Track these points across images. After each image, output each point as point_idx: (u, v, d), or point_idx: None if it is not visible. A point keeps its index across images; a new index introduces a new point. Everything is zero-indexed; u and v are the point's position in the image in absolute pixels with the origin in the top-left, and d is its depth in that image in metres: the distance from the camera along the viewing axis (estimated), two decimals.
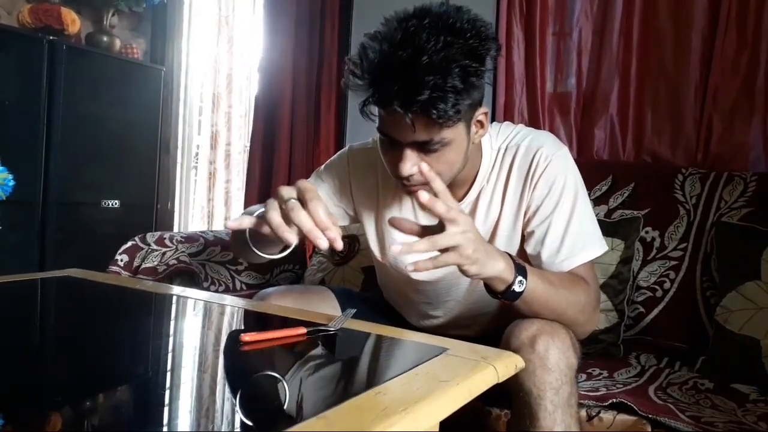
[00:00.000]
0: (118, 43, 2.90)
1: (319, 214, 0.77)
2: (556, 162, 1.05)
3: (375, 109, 0.92)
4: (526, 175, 1.06)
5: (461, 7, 0.91)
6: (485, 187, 1.10)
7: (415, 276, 1.14)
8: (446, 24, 0.87)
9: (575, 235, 1.03)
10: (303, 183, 0.81)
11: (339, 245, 0.78)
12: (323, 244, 0.77)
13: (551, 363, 0.89)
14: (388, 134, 0.95)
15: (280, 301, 1.12)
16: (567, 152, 1.09)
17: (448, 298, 1.18)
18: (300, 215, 0.77)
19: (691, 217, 1.56)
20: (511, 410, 0.98)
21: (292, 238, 0.79)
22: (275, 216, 0.80)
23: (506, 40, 1.95)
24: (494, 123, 1.14)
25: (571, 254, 1.03)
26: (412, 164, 0.93)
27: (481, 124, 1.00)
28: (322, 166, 1.26)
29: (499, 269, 0.87)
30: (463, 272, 0.86)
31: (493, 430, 1.11)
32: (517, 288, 0.89)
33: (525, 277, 0.90)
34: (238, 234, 1.05)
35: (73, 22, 2.65)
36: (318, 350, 0.80)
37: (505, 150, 1.09)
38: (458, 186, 1.09)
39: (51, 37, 2.50)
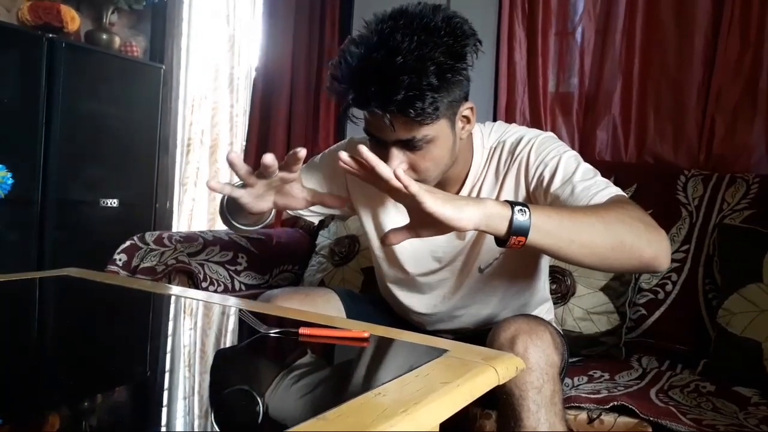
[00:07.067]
0: (117, 41, 2.90)
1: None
2: (540, 140, 1.05)
3: (359, 112, 0.94)
4: (514, 163, 1.06)
5: (438, 6, 0.92)
6: (476, 185, 1.10)
7: (406, 266, 1.15)
8: (421, 24, 0.88)
9: (593, 172, 0.98)
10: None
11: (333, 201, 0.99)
12: (301, 151, 0.85)
13: (531, 362, 0.89)
14: (373, 134, 0.97)
15: (285, 303, 1.13)
16: (552, 135, 1.08)
17: (435, 290, 1.19)
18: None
19: (693, 219, 1.55)
20: (497, 412, 0.97)
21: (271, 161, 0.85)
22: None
23: (508, 40, 1.95)
24: (488, 123, 1.15)
25: (596, 187, 0.94)
26: (398, 162, 0.95)
27: (466, 119, 1.01)
28: (318, 156, 1.27)
29: (484, 204, 0.79)
30: (441, 220, 0.76)
31: None
32: (520, 216, 0.78)
33: (526, 207, 0.79)
34: (221, 204, 1.15)
35: (73, 19, 2.65)
36: (318, 351, 0.79)
37: (494, 148, 1.10)
38: (449, 185, 1.09)
39: (50, 35, 2.49)
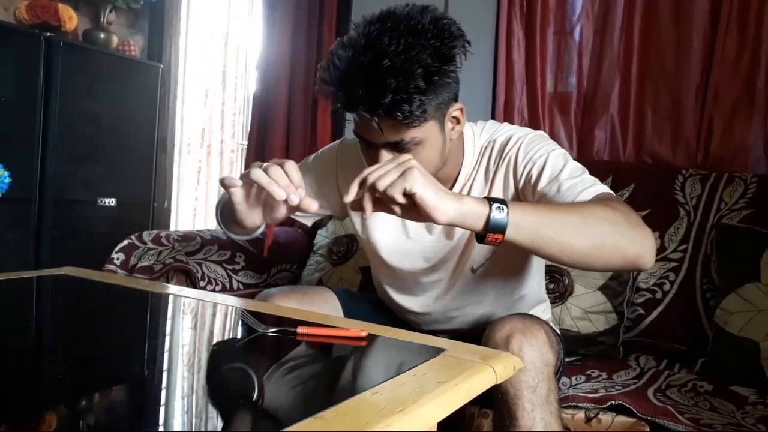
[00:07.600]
0: (115, 39, 2.89)
1: (294, 175, 0.84)
2: (528, 138, 1.05)
3: (349, 114, 0.94)
4: (503, 162, 1.06)
5: (427, 7, 0.92)
6: (467, 185, 1.10)
7: (384, 254, 1.16)
8: (408, 26, 0.88)
9: (581, 170, 0.99)
10: (277, 159, 0.87)
11: (308, 205, 0.85)
12: (295, 200, 0.83)
13: (526, 361, 0.89)
14: (362, 137, 0.98)
15: (282, 301, 1.13)
16: (542, 134, 1.08)
17: (428, 291, 1.19)
18: (277, 171, 0.83)
19: (691, 219, 1.55)
20: (494, 411, 0.97)
21: (281, 194, 0.82)
22: (262, 175, 0.84)
23: (506, 39, 1.95)
24: (480, 122, 1.15)
25: (583, 185, 0.94)
26: None
27: (456, 120, 1.01)
28: (311, 156, 1.28)
29: (462, 201, 0.79)
30: (419, 202, 0.76)
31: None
32: (497, 214, 0.78)
33: (504, 204, 0.79)
34: (216, 212, 1.18)
35: (71, 18, 2.64)
36: (315, 350, 0.79)
37: (485, 148, 1.10)
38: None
39: (48, 34, 2.49)
